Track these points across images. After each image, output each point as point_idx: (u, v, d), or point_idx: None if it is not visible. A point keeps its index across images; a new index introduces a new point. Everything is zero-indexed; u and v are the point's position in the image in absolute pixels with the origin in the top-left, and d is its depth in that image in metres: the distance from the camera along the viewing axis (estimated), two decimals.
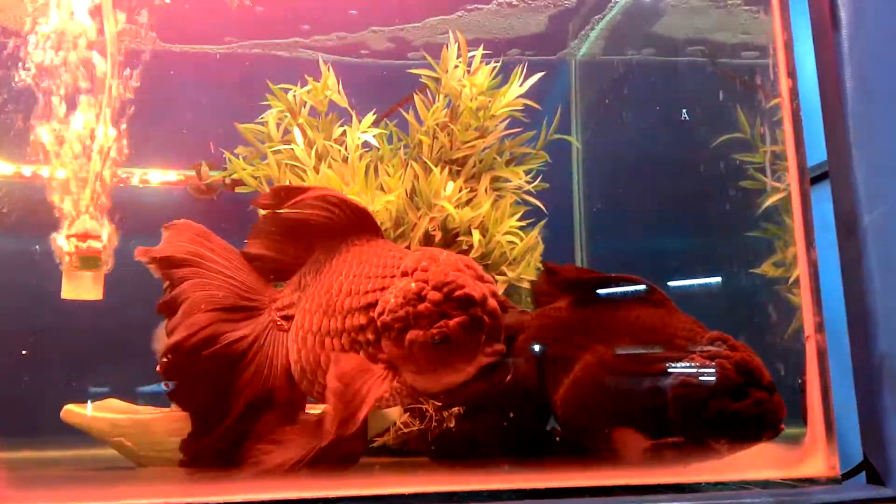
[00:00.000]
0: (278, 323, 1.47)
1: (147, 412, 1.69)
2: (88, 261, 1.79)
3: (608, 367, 1.49)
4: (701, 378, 1.38)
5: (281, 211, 1.49)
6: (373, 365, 1.29)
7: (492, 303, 1.25)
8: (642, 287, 1.58)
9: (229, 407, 1.40)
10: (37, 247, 1.88)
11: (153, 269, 1.47)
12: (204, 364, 1.39)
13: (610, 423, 1.46)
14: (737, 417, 1.33)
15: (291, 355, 1.42)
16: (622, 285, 1.61)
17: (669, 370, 1.42)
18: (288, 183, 1.87)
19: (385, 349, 1.28)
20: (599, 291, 1.62)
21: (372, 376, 1.27)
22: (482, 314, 1.23)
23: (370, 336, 1.30)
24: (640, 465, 1.40)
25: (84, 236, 1.79)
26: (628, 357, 1.49)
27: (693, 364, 1.40)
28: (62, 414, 1.66)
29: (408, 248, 1.75)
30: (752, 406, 1.33)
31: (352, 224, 1.44)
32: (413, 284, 1.26)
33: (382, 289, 1.30)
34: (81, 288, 1.79)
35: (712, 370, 1.37)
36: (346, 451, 1.29)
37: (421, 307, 1.23)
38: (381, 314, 1.27)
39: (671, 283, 1.81)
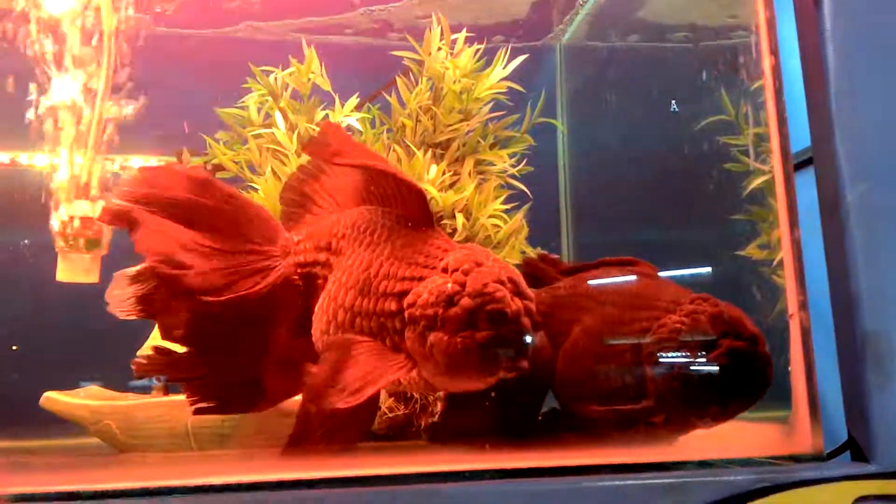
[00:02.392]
0: (295, 282, 1.43)
1: (128, 399, 1.68)
2: (84, 242, 1.77)
3: (593, 336, 1.49)
4: (676, 334, 1.37)
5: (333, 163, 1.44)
6: (394, 353, 1.26)
7: (524, 321, 1.20)
8: (632, 263, 1.59)
9: (229, 359, 1.39)
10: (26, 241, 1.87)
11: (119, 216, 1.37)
12: (209, 312, 1.36)
13: (598, 393, 1.45)
14: (712, 370, 1.31)
15: (319, 323, 1.38)
16: (613, 265, 1.61)
17: (649, 332, 1.41)
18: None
19: (408, 341, 1.24)
20: (591, 272, 1.62)
21: (388, 361, 1.24)
22: (512, 332, 1.19)
23: (397, 324, 1.26)
24: (629, 435, 1.40)
25: (79, 218, 1.77)
26: (612, 324, 1.49)
27: (669, 322, 1.39)
28: (42, 401, 1.64)
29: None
30: (723, 356, 1.31)
31: (405, 205, 1.38)
32: (449, 285, 1.21)
33: (420, 278, 1.26)
34: (77, 270, 1.76)
35: (688, 326, 1.36)
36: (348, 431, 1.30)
37: (451, 311, 1.19)
38: (410, 305, 1.24)
39: (658, 266, 1.81)
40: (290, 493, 1.08)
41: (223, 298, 1.36)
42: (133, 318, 1.39)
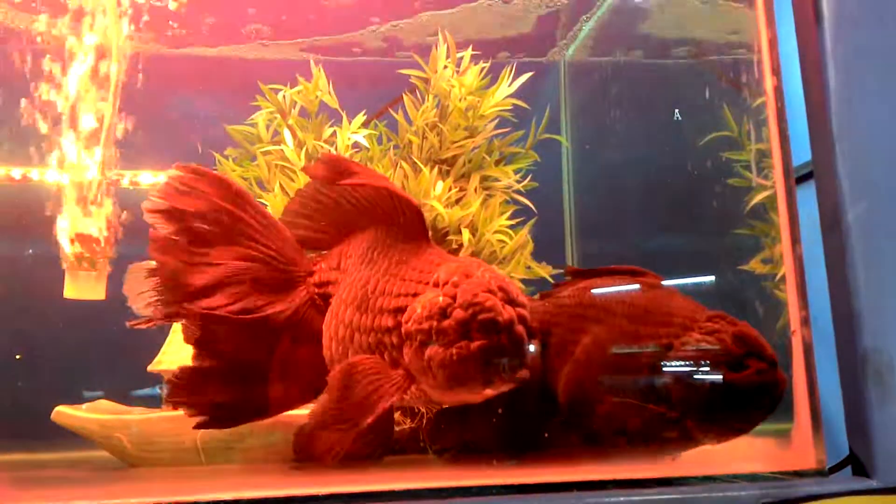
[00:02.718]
0: (317, 302, 1.45)
1: (138, 413, 1.69)
2: (90, 261, 1.79)
3: (608, 349, 1.49)
4: (700, 352, 1.38)
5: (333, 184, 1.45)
6: (391, 371, 1.27)
7: (518, 329, 1.20)
8: (639, 272, 1.59)
9: (256, 379, 1.40)
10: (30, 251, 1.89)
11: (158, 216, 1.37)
12: (237, 334, 1.37)
13: (618, 407, 1.45)
14: (737, 389, 1.32)
15: (325, 339, 1.40)
16: (620, 274, 1.62)
17: (670, 348, 1.41)
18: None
19: (406, 357, 1.26)
20: (597, 280, 1.62)
21: (388, 381, 1.26)
22: (506, 340, 1.19)
23: (395, 340, 1.28)
24: (641, 447, 1.41)
25: (85, 236, 1.79)
26: (628, 337, 1.49)
27: (692, 340, 1.40)
28: (53, 415, 1.66)
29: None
30: (752, 376, 1.32)
31: (402, 221, 1.40)
32: (440, 298, 1.22)
33: (415, 294, 1.28)
34: (84, 288, 1.79)
35: (711, 345, 1.37)
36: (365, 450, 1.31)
37: (444, 324, 1.20)
38: (406, 322, 1.25)
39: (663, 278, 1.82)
40: None
41: (252, 317, 1.38)
42: (151, 322, 1.39)
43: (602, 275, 1.66)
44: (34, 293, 1.98)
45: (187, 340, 1.38)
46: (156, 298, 1.38)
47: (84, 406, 1.70)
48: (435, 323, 1.21)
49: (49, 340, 2.05)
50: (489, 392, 1.25)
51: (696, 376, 1.37)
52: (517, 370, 1.21)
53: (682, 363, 1.38)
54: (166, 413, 1.69)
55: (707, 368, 1.36)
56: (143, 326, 1.39)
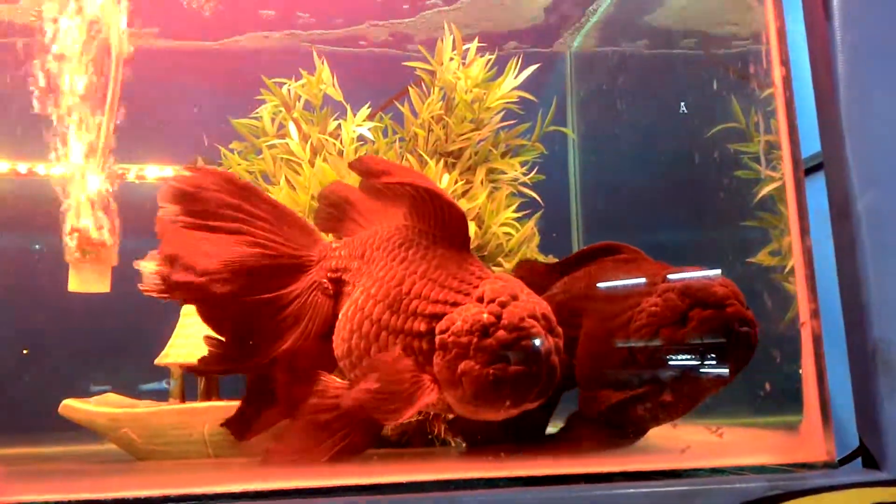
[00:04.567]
0: (324, 285, 1.46)
1: (146, 406, 1.70)
2: (94, 253, 1.79)
3: (593, 338, 1.49)
4: (655, 318, 1.38)
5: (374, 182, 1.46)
6: (422, 374, 1.27)
7: (554, 359, 1.21)
8: (615, 248, 1.59)
9: (255, 358, 1.42)
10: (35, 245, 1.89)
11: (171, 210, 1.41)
12: (241, 311, 1.40)
13: (607, 393, 1.45)
14: (689, 344, 1.34)
15: (342, 330, 1.39)
16: (597, 254, 1.61)
17: (631, 317, 1.42)
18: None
19: (436, 366, 1.24)
20: (578, 267, 1.62)
21: (420, 383, 1.26)
22: (543, 370, 1.20)
23: (425, 346, 1.27)
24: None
25: (87, 229, 1.79)
26: (604, 320, 1.49)
27: (647, 306, 1.40)
28: (61, 409, 1.67)
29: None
30: (696, 328, 1.33)
31: (443, 226, 1.37)
32: (485, 316, 1.21)
33: (454, 304, 1.26)
34: (88, 280, 1.79)
35: (662, 307, 1.37)
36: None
37: (486, 342, 1.19)
38: (443, 331, 1.24)
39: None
40: (309, 500, 1.09)
41: (255, 298, 1.40)
42: (161, 298, 1.41)
43: (578, 259, 1.65)
44: (40, 287, 1.98)
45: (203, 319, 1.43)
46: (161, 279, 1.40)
47: (92, 399, 1.70)
48: (476, 339, 1.20)
49: (56, 334, 2.06)
50: (511, 413, 1.25)
51: (654, 343, 1.38)
52: (544, 396, 1.22)
53: (642, 334, 1.39)
54: (174, 406, 1.70)
55: (663, 332, 1.37)
56: (154, 295, 1.41)
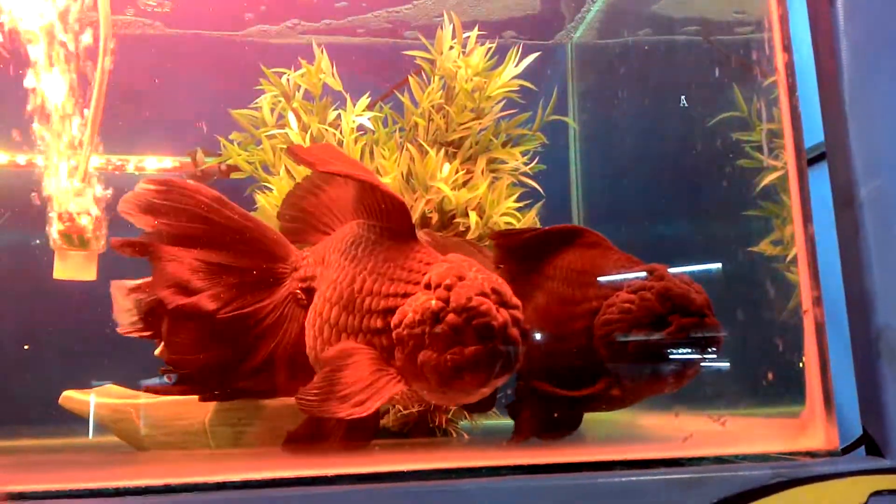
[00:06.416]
0: (298, 296, 1.44)
1: (146, 397, 1.69)
2: (79, 240, 1.77)
3: (543, 316, 1.49)
4: (627, 315, 1.38)
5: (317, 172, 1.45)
6: (387, 366, 1.25)
7: (512, 331, 1.19)
8: (577, 231, 1.58)
9: (236, 376, 1.41)
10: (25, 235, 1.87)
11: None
12: (218, 331, 1.38)
13: (553, 373, 1.45)
14: (661, 347, 1.34)
15: (308, 339, 1.39)
16: (556, 237, 1.60)
17: (598, 312, 1.41)
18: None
19: (398, 361, 1.24)
20: (535, 247, 1.61)
21: (385, 375, 1.24)
22: (500, 345, 1.18)
23: (384, 342, 1.26)
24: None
25: (74, 215, 1.77)
26: (561, 303, 1.48)
27: (618, 302, 1.40)
28: (61, 400, 1.66)
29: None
30: (675, 333, 1.34)
31: (385, 215, 1.37)
32: (433, 302, 1.20)
33: (404, 295, 1.25)
34: (73, 268, 1.77)
35: (637, 306, 1.37)
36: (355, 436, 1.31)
37: (437, 329, 1.18)
38: (397, 326, 1.23)
39: (671, 262, 1.82)
40: (310, 489, 1.09)
41: (231, 314, 1.38)
42: (137, 335, 1.42)
43: (539, 238, 1.63)
44: (32, 278, 1.97)
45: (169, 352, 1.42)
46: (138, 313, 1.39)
47: (92, 390, 1.70)
48: (427, 328, 1.19)
49: (54, 326, 2.05)
50: (482, 392, 1.24)
51: (623, 339, 1.39)
52: (510, 369, 1.21)
53: (611, 328, 1.39)
54: (174, 397, 1.69)
55: (635, 330, 1.38)
56: (135, 334, 1.41)
